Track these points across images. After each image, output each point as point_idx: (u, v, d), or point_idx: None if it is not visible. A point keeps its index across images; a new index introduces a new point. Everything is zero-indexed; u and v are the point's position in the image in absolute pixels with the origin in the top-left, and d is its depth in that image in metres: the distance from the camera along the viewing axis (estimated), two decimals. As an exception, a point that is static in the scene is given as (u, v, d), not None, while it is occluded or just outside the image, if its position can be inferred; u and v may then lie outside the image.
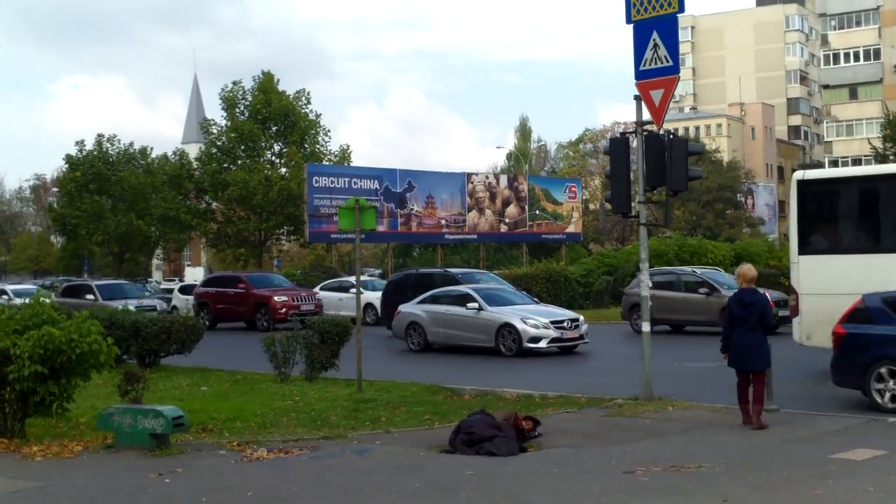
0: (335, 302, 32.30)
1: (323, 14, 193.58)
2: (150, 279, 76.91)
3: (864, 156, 63.85)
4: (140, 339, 18.83)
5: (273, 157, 55.17)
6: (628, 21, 14.05)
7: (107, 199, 63.17)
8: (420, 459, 10.20)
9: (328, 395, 15.02)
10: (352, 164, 52.44)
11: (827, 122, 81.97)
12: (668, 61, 13.68)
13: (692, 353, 20.62)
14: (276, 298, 31.66)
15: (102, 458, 10.32)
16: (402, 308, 24.24)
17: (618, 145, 14.54)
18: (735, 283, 24.60)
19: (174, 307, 36.34)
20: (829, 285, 16.11)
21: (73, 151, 63.03)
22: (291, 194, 50.12)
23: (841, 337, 13.14)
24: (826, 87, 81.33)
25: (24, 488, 9.01)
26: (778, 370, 16.29)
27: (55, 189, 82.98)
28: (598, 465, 9.58)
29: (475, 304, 22.40)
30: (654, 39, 13.75)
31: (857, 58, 77.64)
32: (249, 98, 53.98)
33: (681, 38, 16.48)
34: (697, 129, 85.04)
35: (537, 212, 50.83)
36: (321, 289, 35.21)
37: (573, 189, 54.02)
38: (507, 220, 49.45)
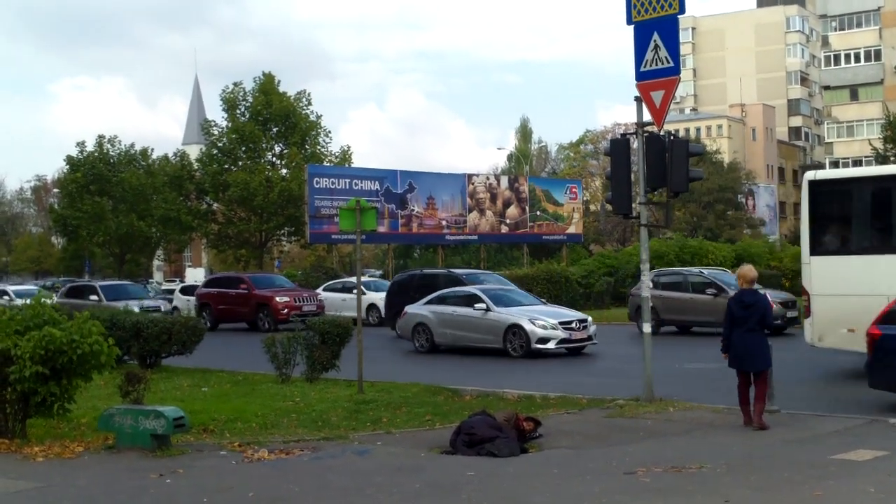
0: (338, 302, 32.28)
1: (323, 15, 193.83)
2: (151, 280, 76.95)
3: (865, 157, 63.85)
4: (141, 340, 18.83)
5: (274, 159, 55.22)
6: (629, 22, 14.04)
7: (108, 200, 63.18)
8: (421, 460, 10.20)
9: (329, 395, 15.02)
10: (352, 166, 52.48)
11: (828, 123, 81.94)
12: (668, 62, 13.67)
13: (694, 354, 20.60)
14: (277, 299, 31.66)
15: (103, 459, 10.32)
16: (409, 309, 24.13)
17: (618, 146, 14.53)
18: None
19: (175, 308, 36.36)
20: (841, 286, 16.02)
21: (74, 152, 63.07)
22: (292, 195, 50.16)
23: (875, 338, 12.83)
24: (827, 88, 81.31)
25: (26, 489, 9.01)
26: (785, 372, 16.35)
27: (56, 190, 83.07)
28: (599, 466, 9.58)
29: (483, 305, 22.26)
30: (654, 40, 13.73)
31: (857, 59, 77.62)
32: (250, 99, 54.03)
33: (681, 40, 16.49)
34: (698, 130, 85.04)
35: (538, 213, 50.83)
36: (324, 289, 35.22)
37: (574, 190, 54.03)
38: (507, 221, 49.44)
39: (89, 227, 61.61)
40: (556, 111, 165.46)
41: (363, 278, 37.08)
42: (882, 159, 49.75)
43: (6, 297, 36.65)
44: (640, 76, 13.90)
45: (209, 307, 33.39)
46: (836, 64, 78.59)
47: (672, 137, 14.56)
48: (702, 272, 27.97)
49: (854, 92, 78.35)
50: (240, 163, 53.92)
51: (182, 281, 70.29)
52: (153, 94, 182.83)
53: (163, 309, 30.73)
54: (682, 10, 13.57)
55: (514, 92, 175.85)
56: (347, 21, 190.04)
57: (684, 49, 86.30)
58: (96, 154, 63.12)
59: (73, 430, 11.90)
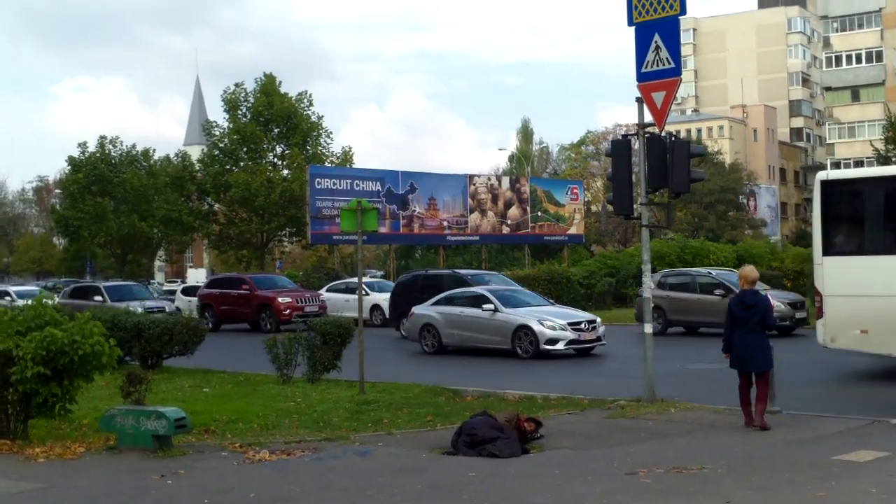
0: (341, 303, 32.25)
1: (324, 15, 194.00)
2: (152, 280, 76.98)
3: (867, 158, 63.81)
4: (142, 341, 18.84)
5: (275, 159, 55.29)
6: (630, 23, 14.04)
7: (109, 200, 63.24)
8: (422, 461, 10.20)
9: (330, 396, 15.02)
10: (353, 166, 52.51)
11: (829, 124, 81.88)
12: (669, 63, 13.66)
13: (697, 355, 20.60)
14: (279, 300, 31.64)
15: (105, 460, 10.32)
16: (416, 310, 23.94)
17: (620, 147, 14.54)
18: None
19: (177, 308, 36.35)
20: (854, 287, 15.91)
21: (76, 153, 63.14)
22: (293, 196, 50.21)
23: None
24: (828, 89, 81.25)
25: (27, 489, 9.01)
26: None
27: (58, 191, 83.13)
28: (600, 467, 9.58)
29: (491, 306, 22.10)
30: (655, 41, 13.73)
31: (859, 60, 77.56)
32: (251, 100, 54.09)
33: (682, 41, 16.49)
34: (699, 131, 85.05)
35: (539, 213, 50.85)
36: (327, 290, 35.21)
37: (575, 191, 54.05)
38: (509, 222, 49.46)
39: (91, 227, 61.67)
40: (557, 112, 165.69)
41: (366, 279, 37.27)
42: (884, 160, 49.65)
43: (8, 298, 36.68)
44: (642, 77, 13.90)
45: (211, 308, 33.38)
46: (837, 65, 78.55)
47: (673, 138, 14.55)
48: (710, 273, 27.76)
49: (855, 93, 78.30)
50: (241, 163, 53.98)
51: (183, 282, 70.34)
52: (154, 94, 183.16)
53: (167, 310, 30.70)
54: (683, 11, 13.57)
55: (515, 93, 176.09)
56: (348, 22, 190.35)
57: (685, 50, 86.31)
58: (98, 155, 63.18)
59: (74, 431, 11.90)
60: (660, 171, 13.69)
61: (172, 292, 46.34)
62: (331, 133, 56.19)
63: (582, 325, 21.45)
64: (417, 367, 20.23)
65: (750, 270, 12.26)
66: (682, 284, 27.16)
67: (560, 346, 21.01)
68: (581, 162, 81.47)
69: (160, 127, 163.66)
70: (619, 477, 9.08)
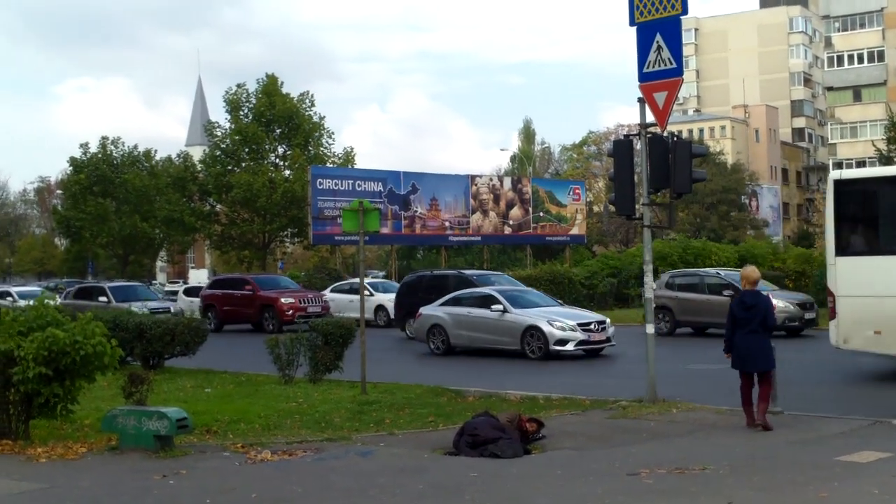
0: (346, 304, 32.19)
1: (325, 15, 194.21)
2: (154, 281, 77.04)
3: (869, 158, 63.73)
4: (144, 341, 18.84)
5: (277, 160, 55.31)
6: (632, 23, 14.03)
7: (111, 201, 63.32)
8: (424, 461, 10.20)
9: (332, 396, 15.02)
10: (355, 167, 52.53)
11: (831, 124, 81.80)
12: (671, 63, 13.65)
13: (700, 356, 20.58)
14: (283, 300, 31.62)
15: (107, 460, 10.33)
16: (424, 310, 23.75)
17: (621, 148, 14.54)
18: (761, 285, 24.58)
19: (181, 311, 36.33)
20: (868, 287, 15.74)
21: (78, 154, 63.28)
22: (295, 196, 50.23)
23: None
24: (830, 89, 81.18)
25: (29, 490, 9.02)
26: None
27: (59, 191, 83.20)
28: (601, 467, 9.57)
29: (499, 307, 21.93)
30: (657, 41, 13.72)
31: (861, 60, 77.49)
32: (253, 101, 54.10)
33: (684, 41, 16.48)
34: (701, 131, 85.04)
35: (541, 214, 50.86)
36: (331, 291, 35.20)
37: (577, 191, 54.04)
38: (510, 222, 49.46)
39: (92, 228, 61.73)
40: (558, 112, 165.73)
41: (370, 280, 37.27)
42: (886, 160, 49.60)
43: (9, 299, 36.70)
44: (643, 77, 13.89)
45: (214, 308, 33.37)
46: (839, 65, 78.49)
47: (675, 138, 14.55)
48: (718, 273, 27.53)
49: (857, 93, 78.23)
50: (243, 164, 54.01)
51: (185, 282, 70.41)
52: (156, 95, 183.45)
53: (172, 311, 30.70)
54: (684, 11, 13.56)
55: (516, 93, 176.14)
56: (350, 22, 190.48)
57: (687, 50, 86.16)
58: (100, 155, 63.27)
59: (76, 432, 11.91)
60: (662, 171, 13.68)
61: (174, 293, 46.36)
62: (333, 133, 56.31)
63: (591, 326, 21.35)
64: (420, 368, 20.21)
65: (751, 271, 12.26)
66: (691, 285, 27.00)
67: (570, 346, 20.88)
68: (583, 162, 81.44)
69: (162, 127, 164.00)
70: (620, 477, 9.08)
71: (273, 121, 53.72)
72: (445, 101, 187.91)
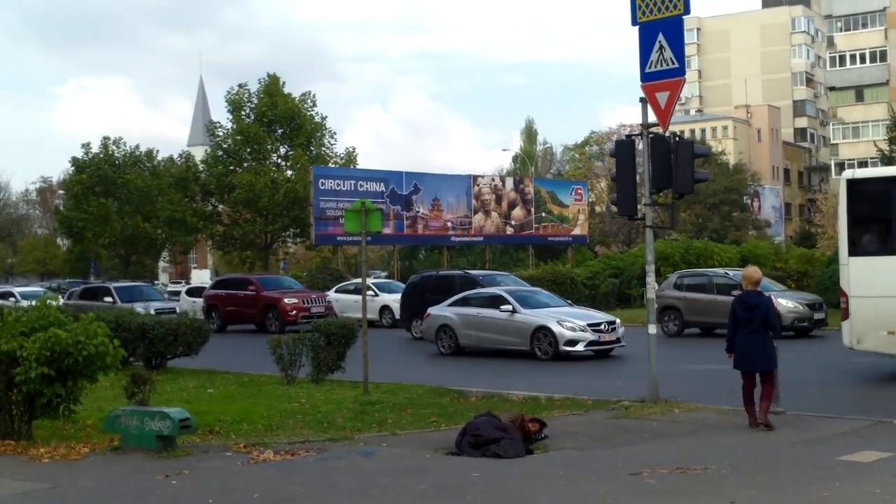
0: (351, 304, 32.07)
1: (326, 16, 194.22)
2: (156, 281, 77.09)
3: (871, 158, 63.67)
4: (146, 342, 18.85)
5: (279, 160, 55.34)
6: (634, 23, 14.02)
7: (113, 201, 63.37)
8: (426, 461, 10.21)
9: (334, 397, 15.02)
10: (357, 167, 52.56)
11: (833, 125, 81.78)
12: (673, 63, 13.64)
13: (702, 356, 20.57)
14: (286, 301, 31.59)
15: (109, 460, 10.34)
16: (432, 311, 23.63)
17: (623, 148, 14.53)
18: (768, 285, 24.47)
19: (184, 310, 36.34)
20: (881, 287, 15.63)
21: (79, 154, 63.34)
22: (297, 197, 50.28)
23: None
24: (832, 89, 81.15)
25: (31, 490, 9.03)
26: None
27: (61, 192, 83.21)
28: (604, 467, 9.58)
29: (509, 307, 21.80)
30: (659, 41, 13.72)
31: (863, 60, 77.47)
32: (255, 101, 54.13)
33: (686, 40, 16.46)
34: (703, 131, 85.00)
35: (543, 214, 50.86)
36: (336, 291, 35.18)
37: (579, 191, 54.03)
38: (512, 223, 49.47)
39: (94, 228, 61.78)
40: (560, 112, 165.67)
41: (375, 280, 37.28)
42: (888, 160, 49.56)
43: (12, 299, 36.76)
44: (646, 77, 13.88)
45: (217, 309, 33.34)
46: (841, 65, 78.47)
47: (677, 139, 14.54)
48: (727, 273, 27.38)
49: (859, 93, 78.19)
50: (245, 164, 54.05)
51: (188, 283, 70.45)
52: (158, 95, 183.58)
53: (177, 311, 30.68)
54: (687, 11, 13.56)
55: (517, 93, 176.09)
56: (350, 22, 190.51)
57: (689, 50, 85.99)
58: (101, 156, 63.33)
59: (78, 432, 11.92)
60: (664, 171, 13.68)
61: (177, 293, 46.36)
62: (334, 134, 56.34)
63: (602, 327, 21.25)
64: (423, 368, 20.19)
65: (753, 271, 12.26)
66: (699, 285, 26.87)
67: (580, 347, 20.77)
68: (585, 162, 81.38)
69: (163, 128, 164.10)
70: (622, 477, 9.08)
71: (275, 121, 53.76)
72: (446, 101, 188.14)
